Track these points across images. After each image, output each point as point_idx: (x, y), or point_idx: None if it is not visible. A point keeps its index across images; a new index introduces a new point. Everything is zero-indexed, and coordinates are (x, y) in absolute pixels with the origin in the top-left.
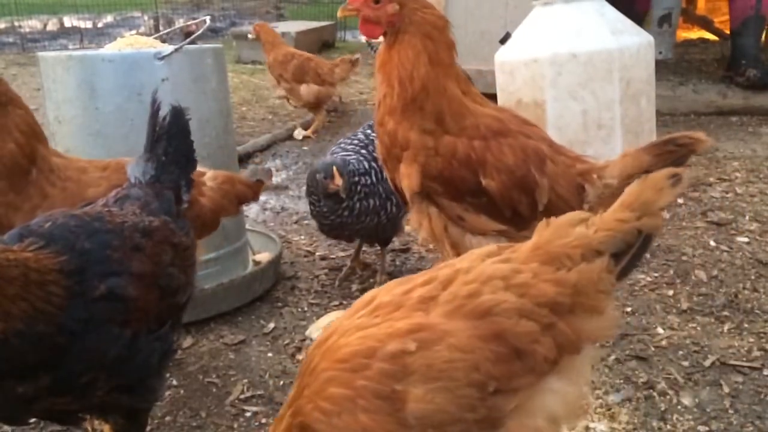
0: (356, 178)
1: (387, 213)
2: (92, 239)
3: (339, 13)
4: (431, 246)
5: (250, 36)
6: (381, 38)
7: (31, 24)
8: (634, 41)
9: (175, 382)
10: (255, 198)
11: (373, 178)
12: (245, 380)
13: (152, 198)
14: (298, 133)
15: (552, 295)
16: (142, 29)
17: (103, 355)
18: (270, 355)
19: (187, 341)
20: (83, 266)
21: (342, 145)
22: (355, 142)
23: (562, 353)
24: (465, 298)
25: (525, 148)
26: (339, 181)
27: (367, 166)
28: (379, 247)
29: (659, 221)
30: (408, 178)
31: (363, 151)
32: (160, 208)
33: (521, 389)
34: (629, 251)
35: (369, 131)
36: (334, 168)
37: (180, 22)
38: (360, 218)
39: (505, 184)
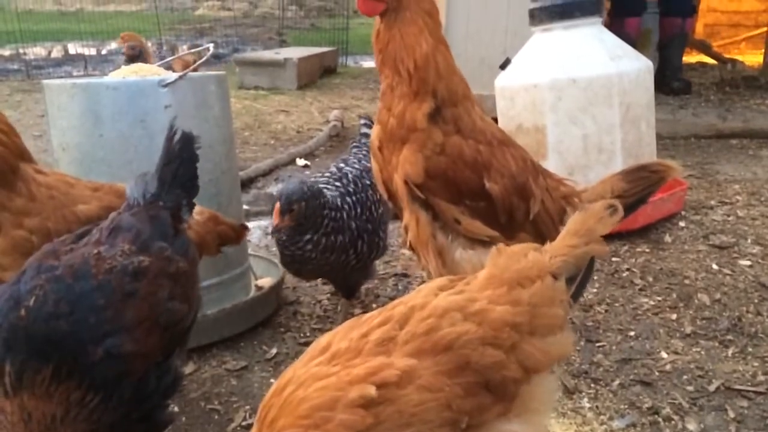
0: (325, 212)
1: (357, 252)
2: (76, 313)
3: None
4: (412, 252)
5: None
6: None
7: (35, 51)
8: (634, 66)
9: (176, 409)
10: (237, 241)
11: (344, 215)
12: (247, 407)
13: (145, 224)
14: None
15: (510, 317)
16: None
17: (111, 397)
18: (272, 381)
19: (189, 367)
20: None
21: (313, 178)
22: (327, 175)
23: (528, 374)
24: (424, 334)
25: (525, 159)
26: (276, 220)
27: (339, 202)
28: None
29: (603, 247)
30: (412, 165)
31: (337, 183)
32: (153, 235)
33: (489, 421)
34: (578, 276)
35: (342, 165)
36: (276, 205)
37: (183, 49)
38: (325, 254)
39: (507, 189)
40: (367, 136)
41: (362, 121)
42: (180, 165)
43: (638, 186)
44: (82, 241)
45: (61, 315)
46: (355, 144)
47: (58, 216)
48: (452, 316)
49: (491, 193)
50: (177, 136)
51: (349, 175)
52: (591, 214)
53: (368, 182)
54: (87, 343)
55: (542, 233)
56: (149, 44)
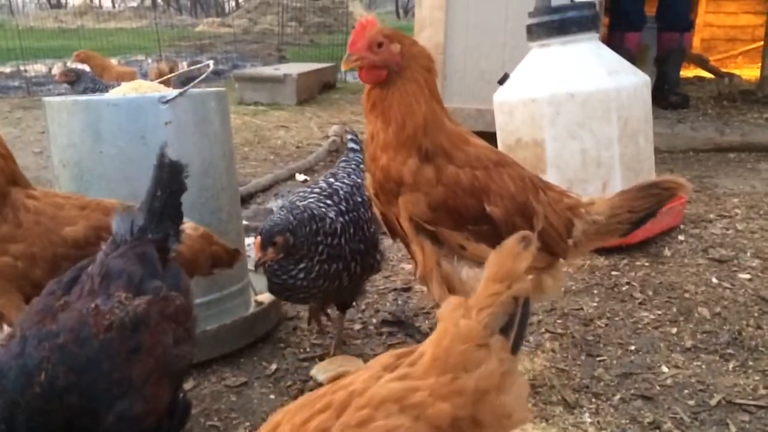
0: (319, 238)
1: (350, 274)
2: (85, 382)
3: (343, 66)
4: (421, 283)
5: (74, 64)
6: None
7: (36, 68)
8: (631, 81)
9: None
10: (229, 265)
11: (341, 241)
12: (247, 423)
13: (135, 265)
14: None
15: (450, 412)
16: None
17: None
18: (272, 397)
19: (189, 384)
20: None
21: (301, 194)
22: (317, 191)
23: None
24: (357, 427)
25: (522, 177)
26: (258, 254)
27: (339, 228)
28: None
29: (528, 284)
30: (415, 205)
31: (328, 201)
32: (145, 276)
33: None
34: (514, 322)
35: (331, 179)
36: (257, 239)
37: (184, 66)
38: (317, 281)
39: (508, 210)
40: (353, 150)
41: (349, 137)
42: (169, 195)
43: (649, 202)
44: (74, 292)
45: (72, 388)
46: (343, 159)
47: (44, 241)
48: (388, 407)
49: (493, 216)
50: (166, 165)
51: (341, 192)
52: (506, 254)
53: (360, 199)
54: (99, 411)
55: (550, 248)
56: (149, 61)
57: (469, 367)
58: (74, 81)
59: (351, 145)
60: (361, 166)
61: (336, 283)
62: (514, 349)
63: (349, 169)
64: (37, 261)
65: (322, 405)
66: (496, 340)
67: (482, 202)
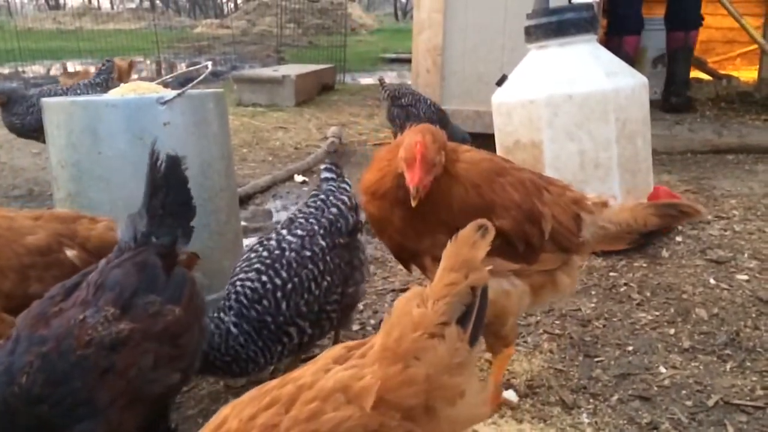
0: (218, 362)
1: (310, 333)
2: (56, 395)
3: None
4: None
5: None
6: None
7: (34, 69)
8: (629, 82)
9: (174, 425)
10: (187, 269)
11: (248, 350)
12: None
13: (131, 277)
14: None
15: (401, 401)
16: (144, 74)
17: None
18: None
19: (188, 385)
20: None
21: (240, 266)
22: (264, 254)
23: None
24: (306, 421)
25: (523, 182)
26: None
27: (242, 336)
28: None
29: (485, 273)
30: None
31: (264, 278)
32: (138, 290)
33: None
34: (472, 312)
35: (284, 231)
36: None
37: (182, 67)
38: (261, 368)
39: (517, 219)
40: (327, 180)
41: (323, 166)
42: (168, 192)
43: (665, 220)
44: (71, 298)
45: (45, 398)
46: (313, 193)
47: (9, 252)
48: (336, 398)
49: (503, 228)
50: (161, 162)
51: (286, 254)
52: (462, 242)
53: (309, 253)
54: (63, 428)
55: (562, 245)
56: (147, 62)
57: (420, 355)
58: (5, 103)
59: (325, 175)
60: (330, 199)
61: (287, 352)
62: (472, 341)
63: (312, 209)
64: (5, 272)
65: (269, 400)
66: (452, 330)
67: (491, 219)
